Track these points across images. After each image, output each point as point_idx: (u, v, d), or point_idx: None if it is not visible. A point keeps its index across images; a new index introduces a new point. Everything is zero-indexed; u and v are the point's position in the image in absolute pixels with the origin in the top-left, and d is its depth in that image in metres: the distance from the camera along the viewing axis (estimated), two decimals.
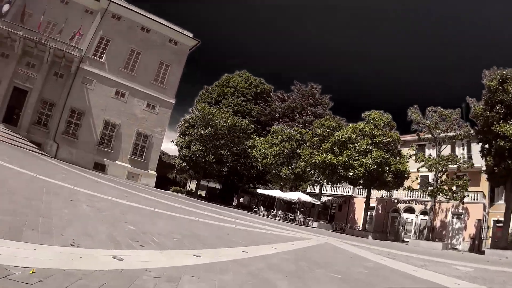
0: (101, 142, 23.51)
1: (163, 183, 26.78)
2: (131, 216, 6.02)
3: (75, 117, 23.08)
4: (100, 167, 23.14)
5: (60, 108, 22.72)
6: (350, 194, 31.59)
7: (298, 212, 27.52)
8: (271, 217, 25.79)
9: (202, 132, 25.33)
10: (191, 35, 26.69)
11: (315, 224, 27.51)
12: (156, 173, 24.82)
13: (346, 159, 22.47)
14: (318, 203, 28.08)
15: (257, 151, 26.17)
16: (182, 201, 17.29)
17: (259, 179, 31.84)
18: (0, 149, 14.00)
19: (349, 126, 25.27)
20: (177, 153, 28.78)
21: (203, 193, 34.96)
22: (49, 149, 22.01)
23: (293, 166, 26.19)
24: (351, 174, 22.49)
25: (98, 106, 23.57)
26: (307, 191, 32.00)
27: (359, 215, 29.01)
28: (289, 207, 30.89)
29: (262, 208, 27.00)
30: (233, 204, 30.65)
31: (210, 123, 25.47)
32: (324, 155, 23.60)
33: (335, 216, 32.40)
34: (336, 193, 32.02)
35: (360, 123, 24.81)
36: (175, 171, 32.56)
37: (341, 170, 22.89)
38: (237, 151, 27.30)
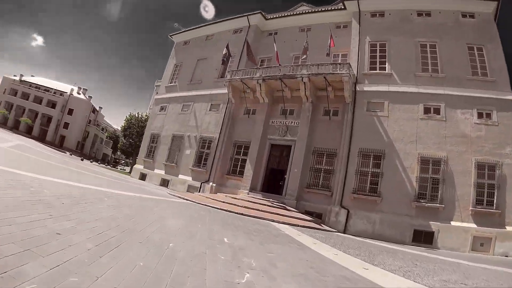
0: (420, 195, 13.97)
1: None
2: None
3: (371, 164, 14.88)
4: (424, 238, 13.07)
5: (343, 157, 15.23)
6: None
7: None
8: None
9: None
10: None
11: None
12: None
13: None
14: None
15: None
16: None
17: None
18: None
19: None
20: None
21: None
22: (333, 220, 14.13)
23: None
24: None
25: (403, 138, 14.88)
26: None
27: None
28: None
29: None
30: None
31: None
32: None
33: None
34: None
35: None
36: None
37: None
38: None
